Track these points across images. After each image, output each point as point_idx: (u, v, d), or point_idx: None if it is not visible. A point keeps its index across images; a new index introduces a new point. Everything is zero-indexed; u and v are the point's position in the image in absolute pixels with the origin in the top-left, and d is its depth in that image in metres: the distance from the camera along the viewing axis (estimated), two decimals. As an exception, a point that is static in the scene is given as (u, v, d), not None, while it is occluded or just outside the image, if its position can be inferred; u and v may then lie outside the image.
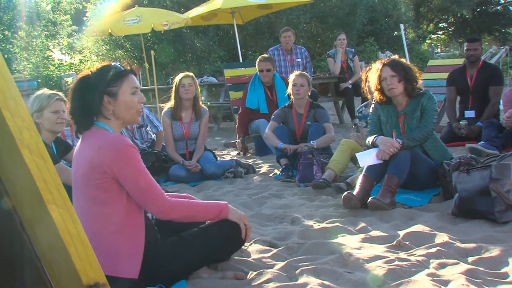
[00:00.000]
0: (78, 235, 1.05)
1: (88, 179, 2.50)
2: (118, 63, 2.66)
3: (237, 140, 7.56)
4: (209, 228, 2.82)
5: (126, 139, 2.54)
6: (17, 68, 17.55)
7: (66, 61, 23.20)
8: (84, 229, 2.44)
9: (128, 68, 2.65)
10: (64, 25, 21.42)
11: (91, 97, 2.55)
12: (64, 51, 23.30)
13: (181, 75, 5.87)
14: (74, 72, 19.84)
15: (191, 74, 5.90)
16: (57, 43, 22.03)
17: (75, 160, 2.66)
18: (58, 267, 1.05)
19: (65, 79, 18.82)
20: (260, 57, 7.46)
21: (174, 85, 5.87)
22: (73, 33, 22.31)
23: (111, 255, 2.48)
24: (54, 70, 20.22)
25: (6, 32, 17.69)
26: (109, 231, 2.49)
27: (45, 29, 20.14)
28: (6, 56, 17.84)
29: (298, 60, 8.98)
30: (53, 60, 21.00)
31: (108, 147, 2.48)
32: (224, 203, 2.85)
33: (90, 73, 2.61)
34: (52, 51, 21.80)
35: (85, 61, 23.37)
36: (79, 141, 2.68)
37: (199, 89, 6.00)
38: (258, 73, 7.31)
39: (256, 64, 7.37)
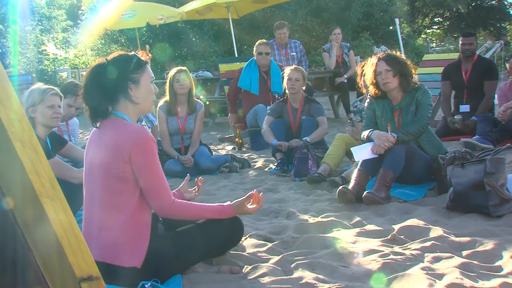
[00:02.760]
0: (71, 228, 1.04)
1: (107, 168, 2.53)
2: (136, 53, 2.70)
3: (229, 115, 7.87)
4: (208, 224, 2.81)
5: (148, 131, 2.58)
6: (11, 63, 17.47)
7: (61, 55, 23.10)
8: (93, 217, 2.50)
9: (146, 58, 2.71)
10: (59, 20, 21.31)
11: (113, 83, 2.58)
12: (59, 46, 23.19)
13: (174, 69, 5.85)
14: (69, 67, 19.77)
15: (184, 68, 5.89)
16: (52, 37, 21.91)
17: (90, 149, 2.68)
18: (51, 260, 1.05)
19: (60, 73, 18.74)
20: (259, 40, 7.56)
21: (168, 80, 5.86)
22: (67, 27, 22.20)
23: (116, 245, 2.51)
24: (48, 64, 20.12)
25: (0, 26, 17.58)
26: (117, 221, 2.52)
27: (40, 24, 20.02)
28: (0, 50, 17.74)
29: (293, 54, 8.99)
30: (48, 55, 20.89)
31: (129, 136, 2.52)
32: (229, 206, 2.83)
33: (105, 61, 2.62)
34: (47, 46, 21.70)
35: (80, 55, 23.25)
36: (93, 133, 2.70)
37: (194, 83, 5.99)
38: (256, 56, 7.41)
39: (255, 47, 7.47)
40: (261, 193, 2.93)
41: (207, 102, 5.56)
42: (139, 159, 2.51)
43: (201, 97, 5.88)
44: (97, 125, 2.63)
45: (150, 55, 2.78)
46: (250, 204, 2.89)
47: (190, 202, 2.83)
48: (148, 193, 2.57)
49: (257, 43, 7.51)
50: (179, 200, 2.69)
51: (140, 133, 2.54)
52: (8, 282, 1.14)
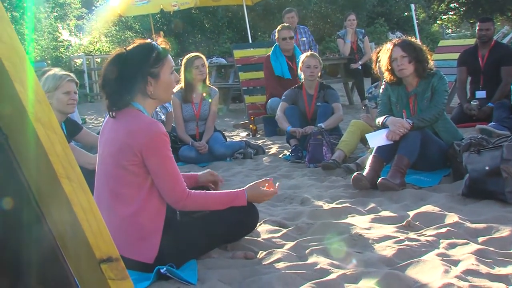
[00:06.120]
0: (91, 209, 1.05)
1: (117, 159, 2.52)
2: (155, 42, 2.64)
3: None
4: (223, 210, 2.79)
5: (161, 126, 2.55)
6: (26, 50, 17.56)
7: (75, 42, 23.19)
8: (104, 207, 2.50)
9: (167, 47, 2.65)
10: (73, 7, 21.38)
11: (132, 77, 2.54)
12: (73, 33, 23.26)
13: (190, 55, 5.82)
14: (83, 53, 19.82)
15: (200, 54, 5.88)
16: (66, 24, 21.98)
17: (103, 138, 2.66)
18: (70, 242, 1.06)
19: (74, 60, 18.80)
20: (280, 26, 7.47)
21: (183, 66, 5.84)
22: (82, 14, 22.25)
23: (129, 236, 2.50)
24: (63, 51, 20.20)
25: (15, 13, 17.64)
26: (129, 212, 2.51)
27: (54, 10, 20.07)
28: (15, 37, 17.78)
29: (303, 39, 9.01)
30: (62, 42, 20.97)
31: (142, 131, 2.50)
32: (242, 193, 2.82)
33: (125, 51, 2.58)
34: (61, 33, 21.77)
35: (94, 42, 23.30)
36: (108, 119, 2.67)
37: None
38: (280, 42, 7.32)
39: (277, 33, 7.38)
40: (277, 183, 2.94)
41: (210, 100, 5.50)
42: (152, 155, 2.49)
43: (204, 94, 5.84)
44: (113, 115, 2.60)
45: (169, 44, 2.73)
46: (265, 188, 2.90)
47: (204, 192, 2.78)
48: (162, 188, 2.55)
49: (278, 28, 7.43)
50: (193, 191, 2.64)
51: (154, 128, 2.51)
52: (29, 272, 1.15)
